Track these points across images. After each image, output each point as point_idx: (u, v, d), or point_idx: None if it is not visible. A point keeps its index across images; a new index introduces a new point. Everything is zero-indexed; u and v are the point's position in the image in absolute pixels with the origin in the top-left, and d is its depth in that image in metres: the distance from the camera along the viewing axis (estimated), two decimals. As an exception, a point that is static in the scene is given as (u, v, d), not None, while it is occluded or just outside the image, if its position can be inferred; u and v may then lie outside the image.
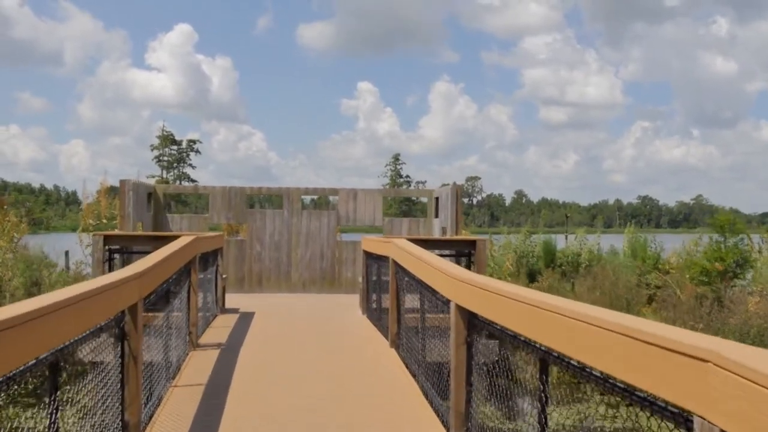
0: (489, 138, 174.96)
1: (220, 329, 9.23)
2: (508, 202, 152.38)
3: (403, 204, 79.63)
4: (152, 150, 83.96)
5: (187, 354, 7.48)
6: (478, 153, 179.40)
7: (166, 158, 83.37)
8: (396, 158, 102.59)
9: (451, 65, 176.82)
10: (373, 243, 10.10)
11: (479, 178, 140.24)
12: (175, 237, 10.65)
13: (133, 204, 12.31)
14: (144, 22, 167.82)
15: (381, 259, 9.64)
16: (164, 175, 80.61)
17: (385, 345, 8.25)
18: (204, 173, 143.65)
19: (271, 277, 13.90)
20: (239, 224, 15.61)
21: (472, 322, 4.75)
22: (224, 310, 11.05)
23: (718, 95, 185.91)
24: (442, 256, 8.76)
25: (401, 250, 7.33)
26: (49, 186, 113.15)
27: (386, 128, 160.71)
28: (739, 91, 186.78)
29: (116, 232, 12.33)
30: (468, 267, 10.50)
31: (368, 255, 10.82)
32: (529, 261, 20.96)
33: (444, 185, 14.10)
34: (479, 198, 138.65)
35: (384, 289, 9.57)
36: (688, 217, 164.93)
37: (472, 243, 10.97)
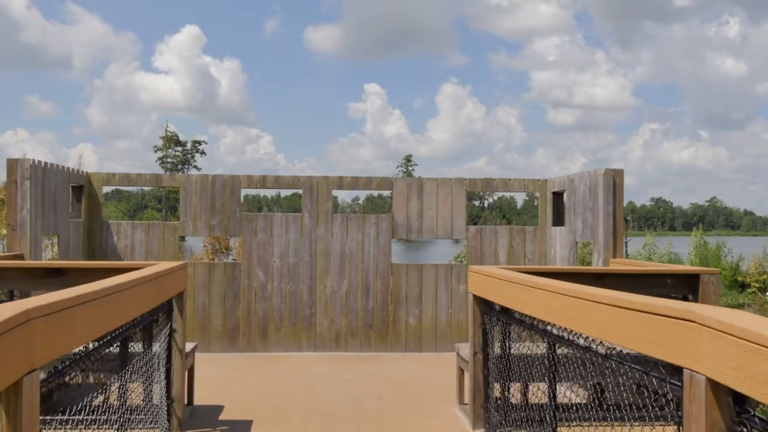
0: (497, 140, 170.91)
1: None
2: (519, 204, 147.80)
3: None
4: (156, 151, 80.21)
5: None
6: (487, 155, 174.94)
7: (170, 159, 79.36)
8: (408, 159, 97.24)
9: (459, 67, 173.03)
10: (538, 296, 4.34)
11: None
12: (107, 270, 5.21)
13: (33, 203, 6.79)
14: (152, 24, 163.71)
15: (519, 319, 4.12)
16: (169, 177, 76.93)
17: None
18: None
19: (282, 325, 8.33)
20: (230, 236, 10.12)
21: None
22: (191, 417, 5.50)
23: (728, 97, 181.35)
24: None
25: None
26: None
27: (394, 131, 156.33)
28: (749, 92, 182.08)
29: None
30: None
31: (487, 305, 5.26)
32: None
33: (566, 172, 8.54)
34: (490, 201, 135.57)
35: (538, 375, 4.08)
36: (702, 219, 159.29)
37: (693, 278, 5.45)
